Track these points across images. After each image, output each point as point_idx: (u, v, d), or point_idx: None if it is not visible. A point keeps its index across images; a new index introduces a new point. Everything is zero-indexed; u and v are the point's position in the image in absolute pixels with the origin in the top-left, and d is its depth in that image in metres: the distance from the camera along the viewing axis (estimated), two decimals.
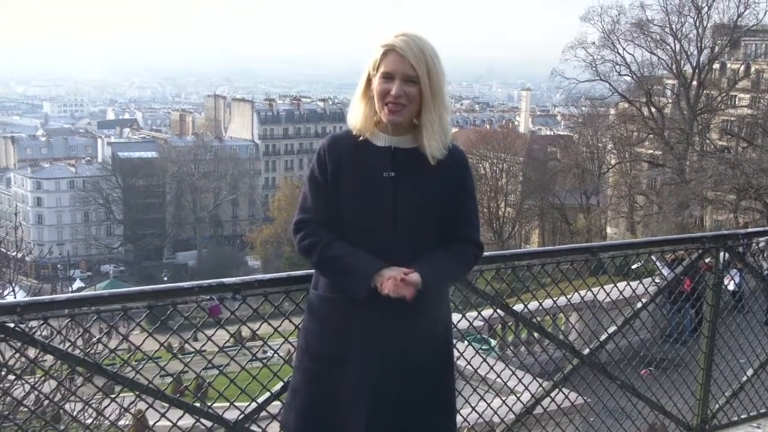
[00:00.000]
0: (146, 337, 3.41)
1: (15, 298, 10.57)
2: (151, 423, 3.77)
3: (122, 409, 3.61)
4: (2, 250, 12.79)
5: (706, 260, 5.13)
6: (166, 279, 67.81)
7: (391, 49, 3.10)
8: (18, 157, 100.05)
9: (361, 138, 3.20)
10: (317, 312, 3.28)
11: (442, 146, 3.18)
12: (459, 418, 4.40)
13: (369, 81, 3.18)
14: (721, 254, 5.11)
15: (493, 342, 10.46)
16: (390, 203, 3.14)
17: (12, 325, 3.11)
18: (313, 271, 3.34)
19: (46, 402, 3.64)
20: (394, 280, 3.05)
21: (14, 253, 13.40)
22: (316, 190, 3.21)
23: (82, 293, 3.31)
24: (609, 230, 58.48)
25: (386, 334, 3.16)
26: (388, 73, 3.11)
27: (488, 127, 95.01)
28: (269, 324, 3.81)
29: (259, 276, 3.55)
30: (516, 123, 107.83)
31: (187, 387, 4.29)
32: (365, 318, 3.16)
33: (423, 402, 3.28)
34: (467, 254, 3.28)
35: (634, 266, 5.48)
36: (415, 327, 3.18)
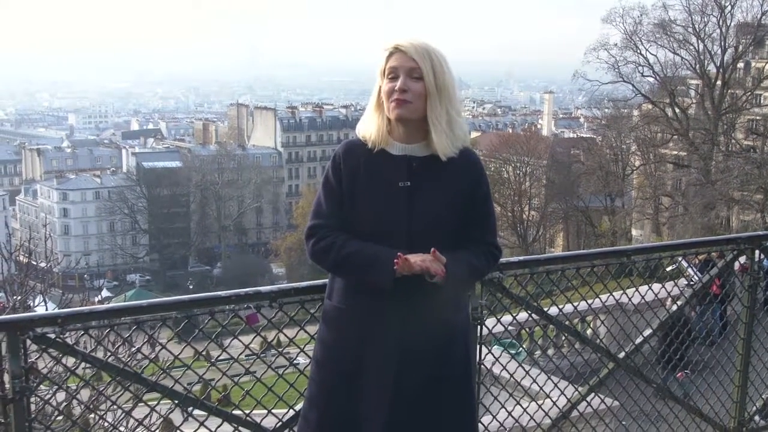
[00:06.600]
0: (185, 346, 3.43)
1: (47, 309, 10.68)
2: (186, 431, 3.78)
3: (162, 419, 3.62)
4: (32, 261, 12.92)
5: (741, 261, 5.09)
6: (191, 287, 68.14)
7: (395, 49, 3.13)
8: (44, 168, 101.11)
9: (376, 148, 3.19)
10: (332, 322, 3.26)
11: (452, 145, 3.15)
12: (495, 424, 4.40)
13: (381, 92, 3.17)
14: (756, 254, 5.06)
15: (525, 346, 10.43)
16: (405, 214, 3.13)
17: (53, 336, 3.14)
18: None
19: (84, 410, 3.67)
20: (421, 256, 3.01)
21: (44, 264, 13.56)
22: (331, 195, 3.20)
23: (121, 304, 3.33)
24: (634, 232, 58.07)
25: (403, 342, 3.13)
26: (392, 69, 3.12)
27: (511, 130, 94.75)
28: (305, 331, 3.81)
29: (296, 284, 3.57)
30: (539, 126, 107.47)
31: (226, 395, 4.26)
32: (381, 326, 3.13)
33: (443, 412, 3.24)
34: (487, 254, 3.26)
35: (669, 268, 5.45)
36: (432, 334, 3.16)
